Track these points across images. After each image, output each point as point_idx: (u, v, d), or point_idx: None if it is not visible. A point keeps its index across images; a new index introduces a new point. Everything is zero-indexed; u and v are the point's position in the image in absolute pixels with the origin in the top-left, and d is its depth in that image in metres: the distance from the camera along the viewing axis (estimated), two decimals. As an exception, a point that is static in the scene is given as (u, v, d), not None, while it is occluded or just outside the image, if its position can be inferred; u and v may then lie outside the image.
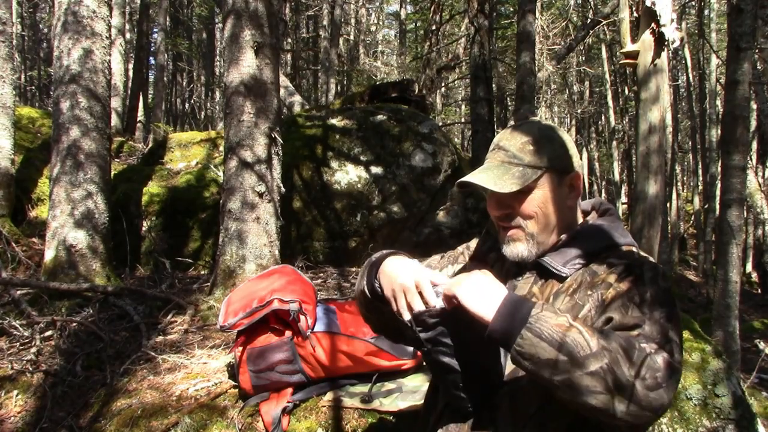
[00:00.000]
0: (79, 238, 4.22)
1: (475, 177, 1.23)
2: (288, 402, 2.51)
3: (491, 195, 1.25)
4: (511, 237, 1.25)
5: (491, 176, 1.22)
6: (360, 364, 2.55)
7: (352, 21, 19.14)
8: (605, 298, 1.14)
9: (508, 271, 1.34)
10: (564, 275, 1.22)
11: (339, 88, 16.86)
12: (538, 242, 1.25)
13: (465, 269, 1.43)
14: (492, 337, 1.03)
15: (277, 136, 4.08)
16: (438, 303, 1.11)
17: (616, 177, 17.08)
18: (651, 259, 1.23)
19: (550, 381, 0.98)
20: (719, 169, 8.12)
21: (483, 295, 1.05)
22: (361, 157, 5.75)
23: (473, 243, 1.50)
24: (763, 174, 12.27)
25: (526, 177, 1.21)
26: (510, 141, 1.27)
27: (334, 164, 5.69)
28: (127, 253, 5.07)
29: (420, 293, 1.13)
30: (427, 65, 12.10)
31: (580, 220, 1.34)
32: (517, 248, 1.25)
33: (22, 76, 19.50)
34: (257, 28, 3.99)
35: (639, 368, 0.96)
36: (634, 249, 1.26)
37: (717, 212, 8.90)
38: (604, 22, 11.96)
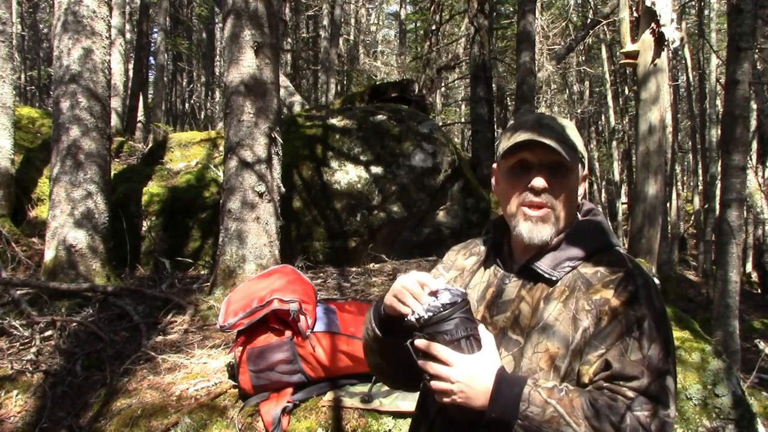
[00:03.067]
0: (79, 238, 4.22)
1: (543, 138, 1.18)
2: (288, 402, 2.51)
3: (539, 168, 1.20)
4: (541, 218, 1.21)
5: (553, 142, 1.18)
6: (360, 364, 2.55)
7: (352, 21, 19.14)
8: (602, 320, 1.15)
9: (491, 274, 1.32)
10: (554, 279, 1.21)
11: (339, 88, 16.86)
12: (558, 229, 1.23)
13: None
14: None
15: (277, 136, 4.08)
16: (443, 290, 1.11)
17: (616, 177, 17.09)
18: (642, 267, 1.23)
19: None
20: (719, 169, 8.12)
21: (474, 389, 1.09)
22: (361, 157, 5.75)
23: (445, 258, 1.47)
24: (763, 174, 12.28)
25: (572, 156, 1.20)
26: (552, 122, 1.25)
27: (334, 164, 5.69)
28: (127, 253, 5.07)
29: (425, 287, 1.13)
30: (427, 65, 12.09)
31: None
32: (545, 230, 1.21)
33: (22, 76, 19.50)
34: (257, 28, 3.99)
35: None
36: (621, 250, 1.26)
37: (717, 212, 8.91)
38: (604, 22, 11.97)
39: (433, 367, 1.09)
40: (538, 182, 1.19)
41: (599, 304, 1.15)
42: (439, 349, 1.08)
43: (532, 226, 1.21)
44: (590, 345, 1.14)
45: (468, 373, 1.08)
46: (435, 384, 1.10)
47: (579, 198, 1.29)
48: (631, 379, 1.08)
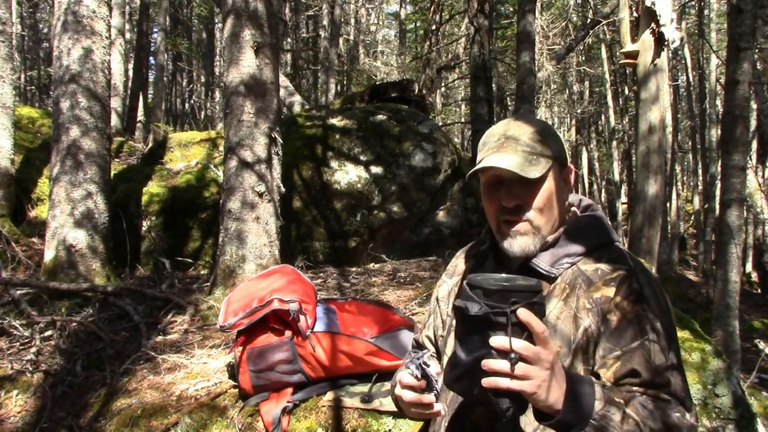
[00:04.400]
0: (79, 238, 4.22)
1: (501, 162, 1.18)
2: (288, 402, 2.51)
3: (508, 184, 1.20)
4: (519, 231, 1.21)
5: (514, 162, 1.18)
6: (360, 364, 2.55)
7: (352, 21, 19.14)
8: (610, 320, 1.13)
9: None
10: (553, 276, 1.21)
11: (339, 88, 16.86)
12: (542, 236, 1.22)
13: (453, 290, 1.40)
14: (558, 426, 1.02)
15: (277, 136, 4.08)
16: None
17: (616, 177, 17.08)
18: (642, 262, 1.23)
19: None
20: (719, 169, 8.12)
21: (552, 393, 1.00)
22: (361, 157, 5.75)
23: (449, 265, 1.48)
24: (763, 174, 12.27)
25: (542, 166, 1.19)
26: (518, 130, 1.24)
27: (334, 164, 5.69)
28: (127, 253, 5.07)
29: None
30: (427, 65, 12.09)
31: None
32: (525, 242, 1.21)
33: (22, 76, 19.50)
34: (257, 28, 3.99)
35: None
36: (620, 245, 1.26)
37: (717, 212, 8.91)
38: (604, 22, 11.97)
39: (527, 347, 0.93)
40: (507, 203, 1.20)
41: (600, 302, 1.15)
42: (539, 325, 0.94)
43: (512, 241, 1.21)
44: (603, 347, 1.13)
45: (554, 362, 0.96)
46: (522, 367, 0.93)
47: (564, 197, 1.28)
48: (660, 386, 1.09)
